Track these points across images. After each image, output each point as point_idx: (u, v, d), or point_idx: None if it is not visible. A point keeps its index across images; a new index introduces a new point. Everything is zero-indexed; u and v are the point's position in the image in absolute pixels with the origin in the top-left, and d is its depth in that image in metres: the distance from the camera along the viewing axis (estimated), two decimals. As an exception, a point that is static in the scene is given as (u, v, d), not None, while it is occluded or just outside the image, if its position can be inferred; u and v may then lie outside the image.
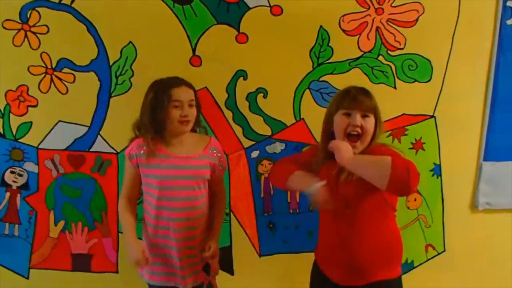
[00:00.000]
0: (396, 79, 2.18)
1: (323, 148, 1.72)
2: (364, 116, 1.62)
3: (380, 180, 1.46)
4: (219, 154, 1.85)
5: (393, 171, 1.42)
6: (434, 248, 2.33)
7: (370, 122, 1.63)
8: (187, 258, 1.80)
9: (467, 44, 2.16)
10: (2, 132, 2.17)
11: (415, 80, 2.19)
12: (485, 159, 2.26)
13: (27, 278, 2.29)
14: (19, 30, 2.11)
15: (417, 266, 2.35)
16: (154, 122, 1.73)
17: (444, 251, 2.32)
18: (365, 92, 1.67)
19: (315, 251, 1.86)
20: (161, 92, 1.72)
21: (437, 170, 2.25)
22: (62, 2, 2.09)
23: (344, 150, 1.56)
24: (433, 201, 2.28)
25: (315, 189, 1.61)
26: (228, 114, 2.18)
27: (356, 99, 1.63)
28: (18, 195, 2.22)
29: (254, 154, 2.22)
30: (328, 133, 1.72)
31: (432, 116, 2.21)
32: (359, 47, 2.16)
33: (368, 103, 1.63)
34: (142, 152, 1.75)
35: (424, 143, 2.22)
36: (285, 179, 1.75)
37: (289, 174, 1.74)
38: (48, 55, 2.13)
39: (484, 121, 2.22)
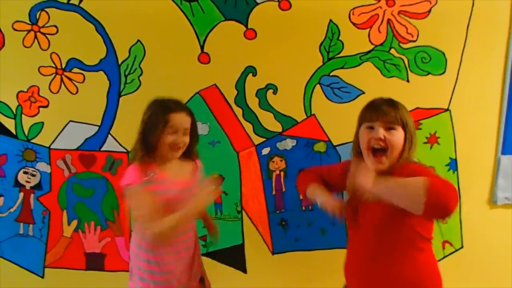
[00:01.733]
0: (409, 72, 2.12)
1: (354, 167, 1.62)
2: (389, 129, 1.49)
3: (415, 205, 1.28)
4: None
5: (428, 193, 1.24)
6: (451, 245, 2.27)
7: (396, 135, 1.48)
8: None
9: (482, 35, 2.09)
10: (14, 132, 2.20)
11: (429, 73, 2.13)
12: (503, 153, 2.19)
13: (42, 277, 2.31)
14: (29, 31, 2.13)
15: (433, 263, 2.30)
16: (145, 143, 1.65)
17: (462, 247, 2.26)
18: (390, 102, 1.54)
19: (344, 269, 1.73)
20: (159, 114, 1.65)
21: (453, 165, 2.18)
22: (71, 2, 2.10)
23: (364, 182, 1.44)
24: (449, 197, 2.21)
25: (320, 203, 1.61)
26: (238, 111, 2.16)
27: (378, 110, 1.50)
28: (32, 195, 2.24)
29: (265, 151, 2.20)
30: (358, 150, 1.60)
31: (447, 110, 2.15)
32: (370, 41, 2.11)
33: (393, 114, 1.49)
34: (151, 174, 1.65)
35: (439, 137, 2.16)
36: (305, 189, 1.75)
37: (308, 186, 1.74)
38: (57, 55, 2.14)
39: (502, 113, 2.14)
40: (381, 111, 1.50)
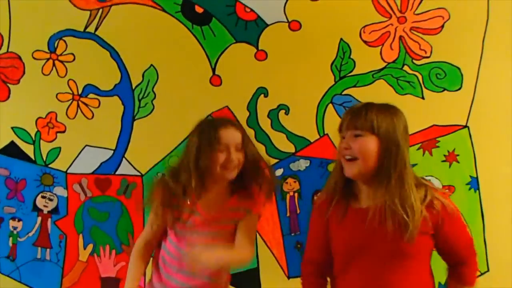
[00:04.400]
0: (424, 89, 2.08)
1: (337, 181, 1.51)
2: (356, 136, 1.39)
3: None
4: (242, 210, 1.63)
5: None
6: (477, 268, 2.16)
7: (362, 142, 1.38)
8: None
9: (499, 48, 2.03)
10: (33, 158, 2.25)
11: (444, 89, 2.08)
12: (527, 169, 2.09)
13: (59, 302, 2.32)
14: (47, 59, 2.20)
15: (459, 288, 2.18)
16: (199, 166, 1.53)
17: (487, 271, 2.14)
18: (362, 106, 1.43)
19: None
20: (208, 131, 1.56)
21: (474, 184, 2.09)
22: (87, 30, 2.17)
23: None
24: (471, 217, 2.08)
25: None
26: (250, 133, 2.14)
27: (346, 117, 1.43)
28: (49, 219, 2.27)
29: (278, 172, 2.16)
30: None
31: (465, 126, 2.08)
32: (382, 58, 2.09)
33: (359, 120, 1.38)
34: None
35: (458, 155, 2.08)
36: None
37: None
38: (74, 82, 2.20)
39: (523, 128, 2.07)
40: (348, 117, 1.42)
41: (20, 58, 2.21)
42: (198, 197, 1.57)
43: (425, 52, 2.07)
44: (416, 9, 2.06)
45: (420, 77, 2.08)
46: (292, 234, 2.18)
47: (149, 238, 1.69)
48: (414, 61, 2.07)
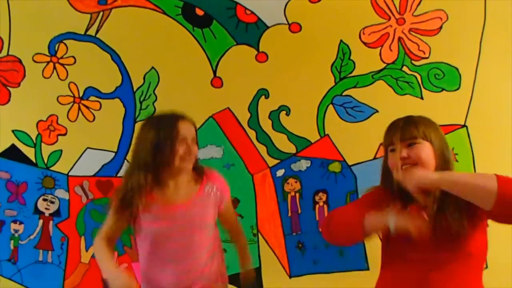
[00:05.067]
0: (423, 89, 2.11)
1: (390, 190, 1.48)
2: (410, 145, 1.38)
3: (484, 199, 1.23)
4: (215, 190, 1.62)
5: (500, 185, 1.19)
6: (475, 266, 2.19)
7: (420, 149, 1.37)
8: None
9: (496, 49, 2.07)
10: (34, 161, 2.26)
11: (443, 89, 2.11)
12: (524, 168, 2.13)
13: (61, 304, 2.33)
14: (48, 62, 2.21)
15: (458, 285, 2.22)
16: (156, 161, 1.51)
17: (486, 268, 2.18)
18: (408, 119, 1.45)
19: None
20: (166, 126, 1.53)
21: (473, 182, 2.13)
22: (88, 33, 2.18)
23: (420, 174, 1.32)
24: (471, 215, 2.14)
25: (395, 225, 1.32)
26: (252, 134, 2.18)
27: (396, 129, 1.42)
28: (51, 222, 2.28)
29: (280, 172, 2.19)
30: (388, 172, 1.48)
31: (464, 126, 2.11)
32: (381, 59, 2.12)
33: (411, 130, 1.39)
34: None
35: (457, 154, 2.11)
36: (360, 222, 1.35)
37: (362, 218, 1.36)
38: (75, 84, 2.21)
39: (520, 127, 2.11)
40: (399, 129, 1.42)
41: (20, 61, 2.22)
42: (151, 192, 1.54)
43: (424, 53, 2.10)
44: (415, 10, 2.09)
45: (419, 77, 2.11)
46: (294, 234, 2.20)
47: (110, 235, 1.63)
48: (413, 62, 2.11)
